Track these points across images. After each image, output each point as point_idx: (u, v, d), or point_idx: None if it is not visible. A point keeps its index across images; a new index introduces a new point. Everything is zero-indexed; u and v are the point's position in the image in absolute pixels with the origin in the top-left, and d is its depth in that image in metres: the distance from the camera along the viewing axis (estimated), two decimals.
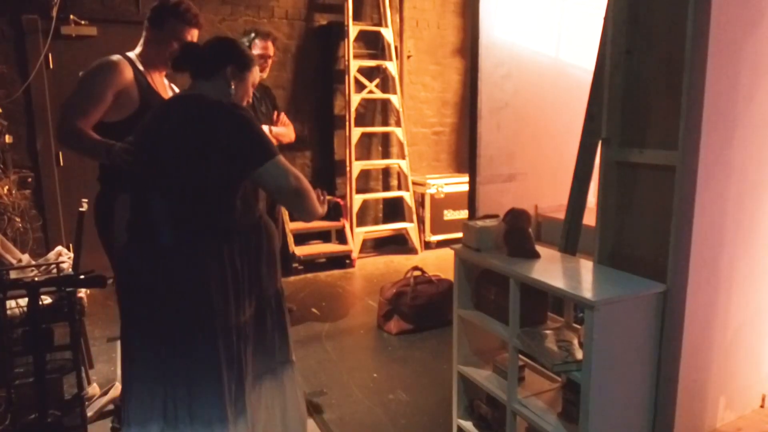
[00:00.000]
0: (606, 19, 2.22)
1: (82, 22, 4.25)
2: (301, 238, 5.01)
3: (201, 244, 1.68)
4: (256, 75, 1.88)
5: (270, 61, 3.53)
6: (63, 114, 2.19)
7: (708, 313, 2.12)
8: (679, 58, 1.91)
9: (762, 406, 2.46)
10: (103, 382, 2.82)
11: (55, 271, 2.62)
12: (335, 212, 5.09)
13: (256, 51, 3.43)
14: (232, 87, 1.79)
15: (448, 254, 2.33)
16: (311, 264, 4.89)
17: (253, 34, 3.46)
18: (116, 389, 2.64)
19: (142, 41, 2.32)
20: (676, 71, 1.92)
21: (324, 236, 5.27)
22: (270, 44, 3.50)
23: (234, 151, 1.65)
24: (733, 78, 2.00)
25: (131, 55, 2.30)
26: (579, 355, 1.84)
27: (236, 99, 1.81)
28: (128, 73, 2.22)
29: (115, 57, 2.24)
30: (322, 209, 1.85)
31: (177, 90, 2.48)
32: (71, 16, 4.20)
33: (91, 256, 2.68)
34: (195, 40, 2.32)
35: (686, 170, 1.93)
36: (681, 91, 1.90)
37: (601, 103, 2.21)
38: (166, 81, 2.44)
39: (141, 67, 2.28)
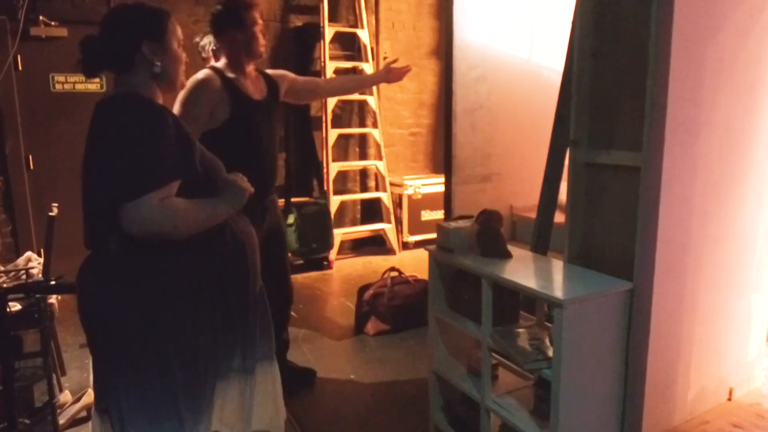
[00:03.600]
0: (573, 21, 2.26)
1: (52, 23, 4.17)
2: None
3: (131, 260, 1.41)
4: (178, 31, 1.55)
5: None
6: None
7: (674, 310, 2.18)
8: (644, 62, 1.95)
9: (729, 399, 2.53)
10: (76, 389, 2.78)
11: (24, 276, 2.58)
12: None
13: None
14: (158, 66, 1.46)
15: (425, 254, 2.35)
16: (289, 267, 4.87)
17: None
18: (89, 396, 2.60)
19: (227, 54, 2.35)
20: (641, 74, 1.97)
21: None
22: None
23: (107, 174, 1.36)
24: (696, 81, 2.05)
25: (218, 65, 2.36)
26: (550, 352, 1.87)
27: (173, 75, 1.51)
28: (216, 85, 2.28)
29: (202, 74, 2.30)
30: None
31: (272, 72, 2.57)
32: (41, 17, 4.12)
33: (62, 261, 2.65)
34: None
35: (650, 171, 1.97)
36: (645, 93, 1.95)
37: (570, 106, 2.25)
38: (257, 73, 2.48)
39: (230, 74, 2.34)
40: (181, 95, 2.24)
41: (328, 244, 4.93)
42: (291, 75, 2.67)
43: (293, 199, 4.85)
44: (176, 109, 2.23)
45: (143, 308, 1.40)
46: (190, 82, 2.26)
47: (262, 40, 2.36)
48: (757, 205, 2.43)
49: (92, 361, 1.54)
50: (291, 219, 4.70)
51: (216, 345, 1.53)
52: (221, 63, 2.37)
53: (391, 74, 2.79)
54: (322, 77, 5.05)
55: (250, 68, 2.41)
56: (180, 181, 1.40)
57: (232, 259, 1.56)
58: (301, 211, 4.80)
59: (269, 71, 2.58)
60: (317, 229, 4.86)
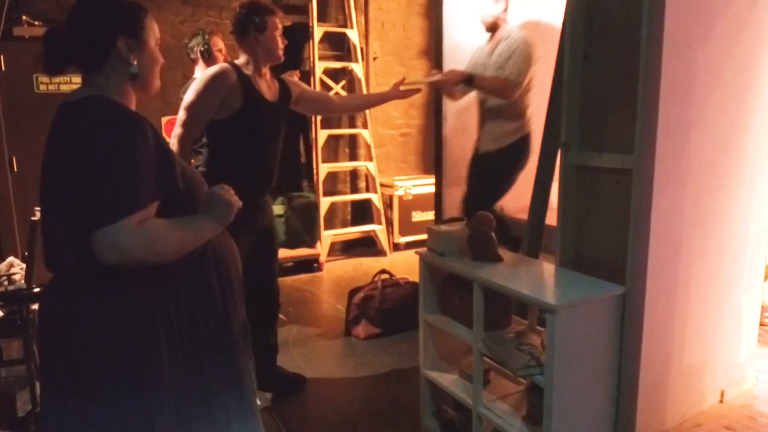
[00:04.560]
0: (564, 24, 2.24)
1: (36, 23, 4.10)
2: None
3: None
4: (155, 29, 1.38)
5: (228, 56, 3.53)
6: (179, 116, 2.32)
7: (666, 313, 2.17)
8: (635, 64, 1.94)
9: (721, 401, 2.52)
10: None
11: (6, 283, 2.52)
12: None
13: (216, 47, 3.45)
14: (135, 64, 1.29)
15: (416, 256, 2.33)
16: (278, 269, 4.83)
17: (207, 36, 3.49)
18: None
19: (247, 55, 2.40)
20: (633, 76, 1.95)
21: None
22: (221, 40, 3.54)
23: (76, 194, 1.18)
24: (687, 83, 2.04)
25: (237, 62, 2.41)
26: (542, 358, 1.85)
27: (149, 77, 1.35)
28: (231, 78, 2.32)
29: (218, 67, 2.36)
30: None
31: (290, 79, 2.66)
32: (24, 17, 4.05)
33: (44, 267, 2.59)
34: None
35: (643, 174, 1.96)
36: (637, 96, 1.93)
37: (561, 108, 2.23)
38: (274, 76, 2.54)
39: (248, 72, 2.38)
40: (196, 85, 2.30)
41: (314, 238, 4.91)
42: (303, 84, 2.76)
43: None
44: (189, 97, 2.28)
45: (106, 338, 1.22)
46: (206, 73, 2.32)
47: (281, 44, 2.44)
48: (748, 207, 2.43)
49: (41, 388, 1.35)
50: (280, 210, 4.67)
51: (191, 384, 1.33)
52: (240, 60, 2.41)
53: (401, 92, 2.86)
54: (312, 78, 5.02)
55: (266, 70, 2.47)
56: (159, 201, 1.24)
57: (215, 284, 1.38)
58: (291, 204, 4.77)
59: (285, 76, 2.65)
60: (306, 222, 4.85)
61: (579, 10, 2.13)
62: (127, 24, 1.29)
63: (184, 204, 1.33)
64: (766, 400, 2.56)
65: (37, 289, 2.32)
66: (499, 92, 3.03)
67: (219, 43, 3.53)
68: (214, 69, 2.34)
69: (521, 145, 3.13)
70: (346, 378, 2.98)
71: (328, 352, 3.32)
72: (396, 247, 5.54)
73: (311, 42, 5.00)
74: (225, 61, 3.41)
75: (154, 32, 1.36)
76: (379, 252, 5.49)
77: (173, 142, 2.28)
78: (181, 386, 1.31)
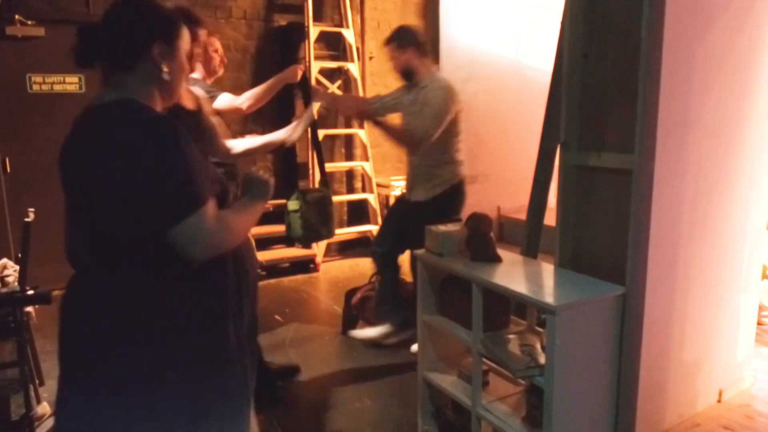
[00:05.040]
0: (563, 22, 2.23)
1: (29, 23, 4.06)
2: (264, 243, 4.92)
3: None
4: (187, 39, 1.40)
5: (224, 57, 3.45)
6: None
7: (666, 313, 2.16)
8: (635, 63, 1.93)
9: (719, 401, 2.52)
10: (55, 400, 2.69)
11: None
12: None
13: (211, 47, 3.36)
14: (165, 72, 1.32)
15: (413, 257, 2.31)
16: (274, 269, 4.81)
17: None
18: None
19: None
20: (632, 75, 1.95)
21: (287, 240, 5.18)
22: (217, 40, 3.45)
23: (141, 197, 1.19)
24: (686, 82, 2.04)
25: None
26: (541, 359, 1.84)
27: (176, 85, 1.38)
28: None
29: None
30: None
31: (196, 89, 2.41)
32: (16, 16, 4.01)
33: (39, 268, 2.57)
34: None
35: (643, 173, 1.95)
36: (637, 95, 1.93)
37: (560, 107, 2.22)
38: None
39: None
40: None
41: (331, 231, 4.87)
42: (211, 108, 2.49)
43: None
44: None
45: (155, 333, 1.25)
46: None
47: (215, 59, 2.31)
48: (745, 206, 2.43)
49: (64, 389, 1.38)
50: (295, 206, 4.61)
51: (208, 385, 1.34)
52: None
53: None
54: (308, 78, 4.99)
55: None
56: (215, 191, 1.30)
57: (235, 285, 1.39)
58: (306, 198, 4.74)
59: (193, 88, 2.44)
60: (321, 215, 4.81)
61: (578, 9, 2.12)
62: (164, 31, 1.32)
63: (225, 196, 1.38)
64: (764, 399, 2.56)
65: (30, 292, 2.30)
66: (403, 143, 3.02)
67: (215, 44, 3.49)
68: None
69: (453, 194, 3.05)
70: (343, 379, 2.97)
71: (326, 353, 3.30)
72: None
73: (307, 42, 4.98)
74: (221, 62, 3.38)
75: (186, 42, 1.39)
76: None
77: None
78: (203, 381, 1.32)
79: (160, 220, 1.19)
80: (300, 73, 2.94)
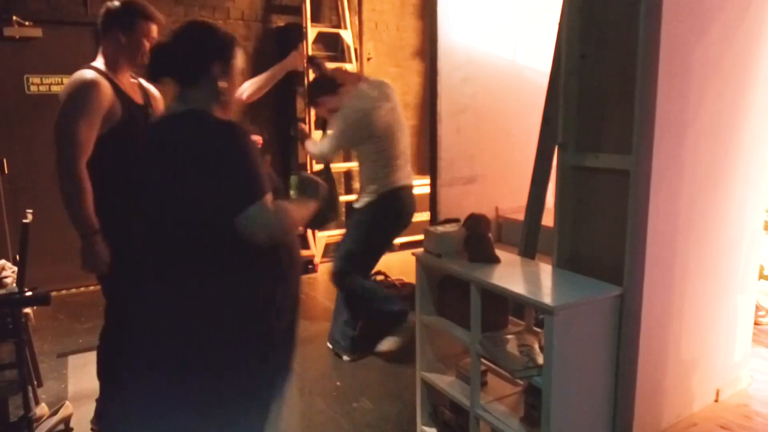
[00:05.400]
0: (560, 23, 2.24)
1: (26, 23, 4.06)
2: None
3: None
4: (241, 59, 1.62)
5: None
6: (66, 153, 2.08)
7: (663, 314, 2.17)
8: (632, 64, 1.94)
9: (716, 401, 2.53)
10: (53, 400, 2.70)
11: None
12: None
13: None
14: (223, 86, 1.54)
15: (411, 257, 2.32)
16: None
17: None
18: (67, 408, 2.52)
19: (106, 51, 2.24)
20: (630, 76, 1.95)
21: None
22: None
23: (213, 190, 1.40)
24: (683, 82, 2.04)
25: (98, 66, 2.22)
26: (540, 359, 1.85)
27: (230, 98, 1.59)
28: (108, 89, 2.15)
29: (91, 75, 2.13)
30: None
31: (148, 85, 2.42)
32: (14, 17, 4.01)
33: (37, 269, 2.56)
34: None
35: (640, 174, 1.96)
36: (634, 96, 1.93)
37: (557, 108, 2.23)
38: (133, 79, 2.39)
39: (112, 77, 2.21)
40: (77, 101, 2.08)
41: (338, 213, 4.81)
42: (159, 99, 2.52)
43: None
44: (75, 117, 2.07)
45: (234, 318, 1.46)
46: (81, 84, 2.09)
47: (147, 51, 2.25)
48: (742, 207, 2.44)
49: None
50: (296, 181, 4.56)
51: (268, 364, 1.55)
52: (99, 62, 2.23)
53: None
54: (305, 79, 5.00)
55: (126, 73, 2.31)
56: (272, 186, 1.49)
57: (287, 274, 1.57)
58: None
59: (143, 82, 2.44)
60: (326, 199, 4.75)
61: (575, 10, 2.13)
62: (222, 52, 1.54)
63: (280, 193, 1.55)
64: (761, 399, 2.57)
65: (28, 293, 2.30)
66: (317, 158, 3.15)
67: None
68: (87, 76, 2.11)
69: (387, 202, 3.14)
70: (341, 379, 2.97)
71: (324, 354, 3.30)
72: (391, 248, 5.53)
73: (305, 42, 4.99)
74: None
75: (240, 61, 1.60)
76: None
77: (75, 179, 2.06)
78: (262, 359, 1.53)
79: (229, 209, 1.38)
80: (301, 60, 2.97)
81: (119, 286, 2.22)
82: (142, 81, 2.41)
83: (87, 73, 2.14)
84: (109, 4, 2.21)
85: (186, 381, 1.45)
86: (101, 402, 2.43)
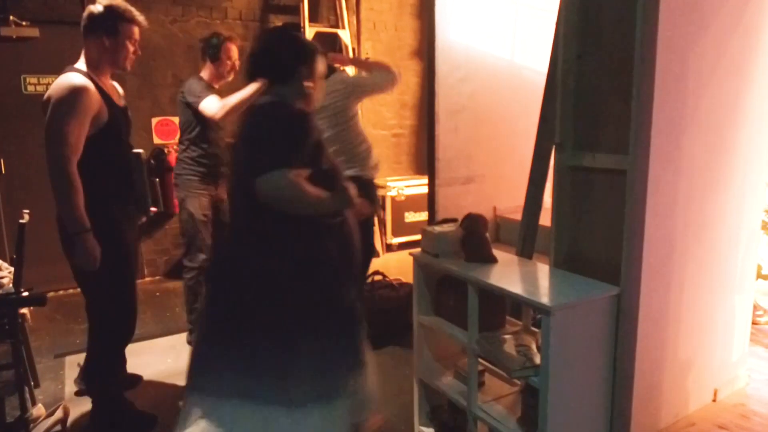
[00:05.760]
0: (558, 23, 2.24)
1: (23, 23, 4.04)
2: None
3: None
4: (323, 65, 1.92)
5: (238, 64, 3.44)
6: (60, 153, 2.13)
7: (660, 313, 2.17)
8: (630, 64, 1.94)
9: (714, 401, 2.53)
10: (50, 401, 2.69)
11: None
12: None
13: (226, 54, 3.36)
14: (308, 86, 1.86)
15: (409, 257, 2.31)
16: None
17: (222, 38, 3.36)
18: (64, 409, 2.52)
19: (89, 54, 2.28)
20: (627, 76, 1.95)
21: None
22: (236, 48, 3.44)
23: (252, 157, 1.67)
24: (681, 82, 2.04)
25: (82, 68, 2.26)
26: (537, 359, 1.85)
27: (314, 97, 1.90)
28: (96, 93, 2.21)
29: (81, 80, 2.19)
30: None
31: (120, 89, 2.51)
32: (11, 17, 3.99)
33: (35, 269, 2.56)
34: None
35: (637, 174, 1.96)
36: (631, 96, 1.93)
37: (554, 108, 2.23)
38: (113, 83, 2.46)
39: (96, 80, 2.26)
40: (66, 105, 2.13)
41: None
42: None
43: None
44: (67, 119, 2.12)
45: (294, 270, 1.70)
46: (72, 88, 2.14)
47: (131, 54, 2.34)
48: (740, 206, 2.44)
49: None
50: None
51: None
52: (81, 64, 2.27)
53: None
54: None
55: (108, 75, 2.37)
56: (309, 171, 1.68)
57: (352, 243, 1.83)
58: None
59: (116, 84, 2.50)
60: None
61: (573, 10, 2.13)
62: (307, 59, 1.85)
63: (327, 183, 1.74)
64: (759, 398, 2.57)
65: (25, 293, 2.29)
66: None
67: (231, 50, 3.39)
68: (77, 82, 2.17)
69: None
70: None
71: None
72: (389, 247, 5.53)
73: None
74: (232, 69, 3.37)
75: (322, 66, 1.91)
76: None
77: (68, 178, 2.12)
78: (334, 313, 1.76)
79: (256, 171, 1.59)
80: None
81: (104, 283, 2.31)
82: (115, 83, 2.48)
83: (76, 77, 2.19)
84: (92, 7, 2.26)
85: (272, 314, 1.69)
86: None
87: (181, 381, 2.89)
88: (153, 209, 2.63)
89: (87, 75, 2.23)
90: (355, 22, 5.42)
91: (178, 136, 4.70)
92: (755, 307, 3.20)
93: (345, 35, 5.24)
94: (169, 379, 2.97)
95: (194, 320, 3.30)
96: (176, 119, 4.72)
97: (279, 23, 5.08)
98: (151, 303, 4.11)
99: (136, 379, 2.93)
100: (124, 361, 2.69)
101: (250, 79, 1.88)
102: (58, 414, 2.51)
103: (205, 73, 3.38)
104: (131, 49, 2.32)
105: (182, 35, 4.68)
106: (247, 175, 1.62)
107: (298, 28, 5.00)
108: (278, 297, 1.68)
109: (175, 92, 4.73)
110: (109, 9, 2.24)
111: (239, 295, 1.69)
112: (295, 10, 5.05)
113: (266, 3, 5.02)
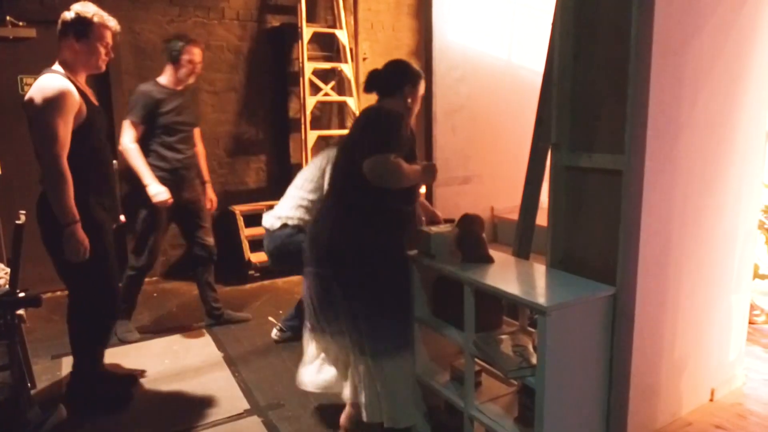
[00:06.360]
0: (554, 23, 2.24)
1: (20, 24, 4.04)
2: (257, 245, 4.90)
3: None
4: (422, 88, 2.37)
5: (199, 68, 3.44)
6: (51, 150, 2.29)
7: (657, 313, 2.17)
8: (626, 64, 1.93)
9: (711, 400, 2.53)
10: (47, 403, 2.68)
11: None
12: None
13: (186, 57, 3.33)
14: (409, 101, 2.32)
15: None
16: (268, 270, 4.79)
17: (181, 43, 3.34)
18: (61, 411, 2.51)
19: (64, 57, 2.41)
20: (623, 76, 1.95)
21: None
22: (199, 51, 3.42)
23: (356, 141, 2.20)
24: (677, 81, 2.04)
25: (60, 69, 2.40)
26: (533, 360, 1.85)
27: (412, 110, 2.36)
28: (76, 93, 2.35)
29: (63, 82, 2.32)
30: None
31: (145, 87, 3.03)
32: (7, 17, 3.99)
33: (32, 269, 2.55)
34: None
35: (633, 174, 1.96)
36: (627, 96, 1.93)
37: (551, 108, 2.23)
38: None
39: (74, 80, 2.39)
40: (53, 106, 2.26)
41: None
42: None
43: None
44: (54, 118, 2.26)
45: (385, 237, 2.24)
46: (56, 90, 2.27)
47: (104, 56, 2.47)
48: (736, 205, 2.44)
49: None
50: None
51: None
52: (57, 66, 2.41)
53: None
54: (301, 79, 4.99)
55: (83, 76, 2.49)
56: (403, 156, 2.13)
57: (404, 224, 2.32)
58: None
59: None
60: None
61: (569, 10, 2.13)
62: (413, 81, 2.33)
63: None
64: (756, 398, 2.57)
65: (21, 294, 2.29)
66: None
67: (193, 53, 3.37)
68: (58, 84, 2.29)
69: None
70: None
71: None
72: None
73: (300, 43, 4.98)
74: (192, 72, 3.37)
75: (422, 88, 2.38)
76: None
77: (60, 173, 2.28)
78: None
79: (366, 151, 2.08)
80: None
81: (90, 273, 2.45)
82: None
83: (58, 78, 2.32)
84: (65, 13, 2.40)
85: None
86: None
87: (178, 381, 2.91)
88: (122, 218, 2.79)
89: (65, 76, 2.36)
90: (352, 22, 5.42)
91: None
92: (752, 307, 3.21)
93: (342, 35, 5.23)
94: (166, 380, 2.97)
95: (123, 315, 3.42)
96: None
97: (276, 23, 5.08)
98: (148, 304, 4.10)
99: (133, 378, 2.94)
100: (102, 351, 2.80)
101: (367, 91, 2.36)
102: (56, 415, 2.50)
103: (164, 76, 3.37)
104: (103, 51, 2.45)
105: (174, 35, 4.67)
106: (362, 158, 2.08)
107: (295, 28, 5.00)
108: (376, 260, 2.19)
109: None
110: (80, 14, 2.39)
111: (357, 262, 2.18)
112: (293, 11, 5.04)
113: (263, 3, 5.01)
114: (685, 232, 2.22)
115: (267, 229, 3.09)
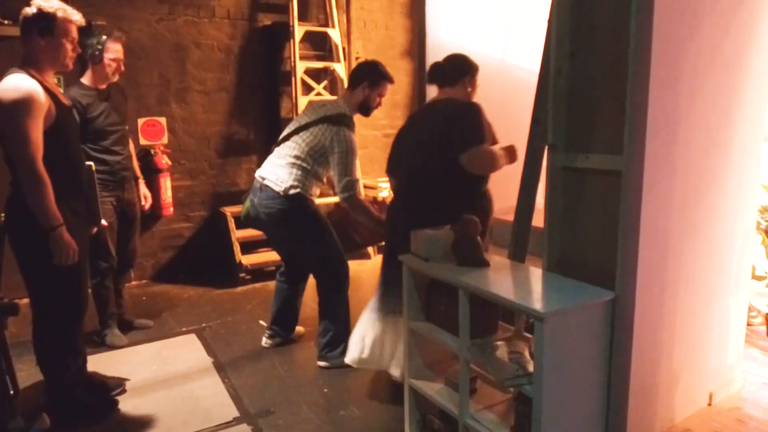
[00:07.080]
0: (550, 21, 2.19)
1: (5, 22, 3.96)
2: (248, 247, 4.84)
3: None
4: (478, 77, 2.64)
5: (122, 64, 3.28)
6: (26, 153, 2.20)
7: (656, 317, 2.12)
8: (623, 62, 1.89)
9: (710, 404, 2.49)
10: (30, 411, 2.61)
11: None
12: None
13: (110, 55, 3.15)
14: (469, 90, 2.62)
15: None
16: (259, 273, 4.73)
17: (104, 37, 3.16)
18: (44, 421, 2.44)
19: (28, 55, 2.30)
20: (620, 75, 1.90)
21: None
22: (122, 46, 3.27)
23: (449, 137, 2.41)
24: (675, 81, 2.00)
25: (26, 69, 2.28)
26: (530, 367, 1.80)
27: (472, 97, 2.62)
28: (44, 93, 2.25)
29: (30, 82, 2.21)
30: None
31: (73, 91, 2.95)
32: None
33: (15, 276, 2.48)
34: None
35: (632, 175, 1.91)
36: (625, 95, 1.88)
37: (547, 108, 2.18)
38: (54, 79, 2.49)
39: (40, 80, 2.28)
40: (22, 108, 2.16)
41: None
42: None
43: None
44: (25, 120, 2.17)
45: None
46: (24, 91, 2.17)
47: (70, 53, 2.36)
48: (734, 207, 2.40)
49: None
50: None
51: None
52: (24, 65, 2.29)
53: None
54: (293, 78, 4.93)
55: (50, 74, 2.38)
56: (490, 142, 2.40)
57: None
58: None
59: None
60: None
61: (565, 8, 2.08)
62: (471, 71, 2.62)
63: None
64: (755, 402, 2.54)
65: (5, 300, 2.22)
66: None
67: (116, 50, 3.19)
68: (26, 85, 2.19)
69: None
70: (329, 386, 2.90)
71: (311, 360, 3.23)
72: (380, 250, 5.47)
73: (292, 41, 4.92)
74: (117, 70, 3.24)
75: (478, 78, 2.67)
76: (363, 254, 5.41)
77: (37, 176, 2.19)
78: None
79: (459, 147, 2.36)
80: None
81: (58, 280, 2.37)
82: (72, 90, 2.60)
83: (24, 78, 2.21)
84: (26, 9, 2.26)
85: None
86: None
87: (166, 388, 2.84)
88: (104, 223, 2.72)
89: (31, 75, 2.25)
90: (345, 21, 5.36)
91: (165, 137, 4.64)
92: (749, 308, 3.17)
93: (335, 34, 5.17)
94: (154, 386, 2.90)
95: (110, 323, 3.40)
96: (163, 120, 4.65)
97: (268, 22, 5.01)
98: (137, 308, 4.03)
99: (121, 384, 2.87)
100: (84, 358, 2.71)
101: (430, 82, 2.62)
102: (38, 425, 2.43)
103: (86, 77, 3.20)
104: (69, 47, 2.34)
105: (169, 34, 4.60)
106: (456, 151, 2.34)
107: (287, 27, 4.94)
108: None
109: (161, 92, 4.66)
110: (42, 9, 2.25)
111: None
112: (284, 9, 4.98)
113: (255, 1, 4.94)
114: (684, 234, 2.18)
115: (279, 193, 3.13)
